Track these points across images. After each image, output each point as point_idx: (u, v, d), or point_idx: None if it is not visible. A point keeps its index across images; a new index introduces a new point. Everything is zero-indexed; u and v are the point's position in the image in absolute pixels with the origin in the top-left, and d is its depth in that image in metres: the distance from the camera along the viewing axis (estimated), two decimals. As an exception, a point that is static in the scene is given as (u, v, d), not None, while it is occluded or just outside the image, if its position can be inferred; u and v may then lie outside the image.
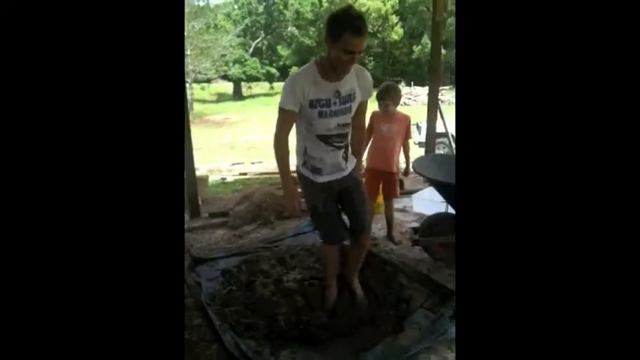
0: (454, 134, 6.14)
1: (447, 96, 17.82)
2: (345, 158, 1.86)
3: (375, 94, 2.51)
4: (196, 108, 20.65)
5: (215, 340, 1.87)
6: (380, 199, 3.14)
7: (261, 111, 17.45)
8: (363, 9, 21.57)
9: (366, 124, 2.26)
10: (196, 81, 22.75)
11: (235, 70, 24.27)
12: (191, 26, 19.42)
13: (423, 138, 5.40)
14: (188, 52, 19.15)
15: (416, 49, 23.66)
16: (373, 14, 22.12)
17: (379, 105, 2.74)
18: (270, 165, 6.94)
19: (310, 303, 2.06)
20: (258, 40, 28.53)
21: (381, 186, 2.96)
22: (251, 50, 27.37)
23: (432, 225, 2.64)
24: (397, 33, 24.08)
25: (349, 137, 1.84)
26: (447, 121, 4.83)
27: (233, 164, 7.18)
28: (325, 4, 24.71)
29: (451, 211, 2.59)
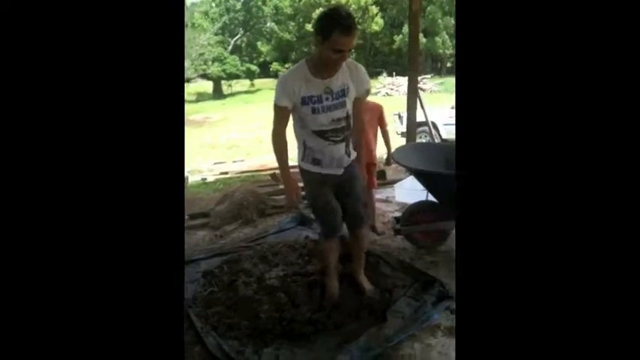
0: (435, 122, 6.19)
1: (429, 84, 17.92)
2: (348, 153, 1.89)
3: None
4: (177, 109, 20.21)
5: (197, 343, 1.84)
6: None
7: (242, 109, 17.21)
8: (343, 1, 21.47)
9: None
10: (176, 81, 22.32)
11: (215, 69, 23.95)
12: (167, 26, 19.05)
13: (405, 128, 5.41)
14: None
15: (397, 39, 23.66)
16: (353, 6, 21.98)
17: None
18: (253, 163, 6.88)
19: (293, 299, 2.04)
20: (237, 37, 28.17)
21: None
22: (230, 48, 27.00)
23: (413, 213, 2.64)
24: (377, 24, 24.01)
25: (348, 131, 1.85)
26: (428, 110, 4.85)
27: (214, 164, 7.07)
28: (304, -2, 24.54)
29: (431, 198, 2.59)
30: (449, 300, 1.98)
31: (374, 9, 23.96)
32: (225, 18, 27.38)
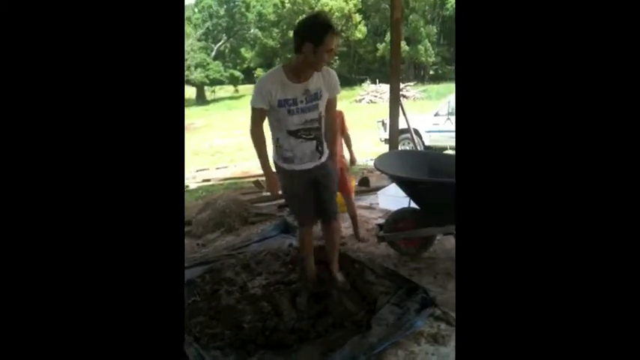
0: (418, 129, 6.23)
1: (412, 92, 18.12)
2: (320, 151, 2.03)
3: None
4: (159, 115, 19.96)
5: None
6: (340, 198, 3.13)
7: (225, 115, 17.05)
8: (326, 8, 21.61)
9: None
10: (158, 87, 22.09)
11: (198, 75, 23.82)
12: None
13: (388, 135, 5.45)
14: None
15: (380, 46, 23.92)
16: (337, 13, 22.20)
17: None
18: (236, 169, 6.81)
19: (276, 308, 2.02)
20: (220, 43, 28.07)
21: None
22: (213, 54, 26.90)
23: (396, 220, 2.66)
24: (361, 31, 24.26)
25: (321, 130, 2.02)
26: (410, 117, 4.90)
27: (197, 171, 6.97)
28: (287, 5, 24.61)
29: (413, 205, 2.61)
30: (432, 307, 2.00)
31: (357, 17, 24.21)
32: (208, 24, 27.29)
